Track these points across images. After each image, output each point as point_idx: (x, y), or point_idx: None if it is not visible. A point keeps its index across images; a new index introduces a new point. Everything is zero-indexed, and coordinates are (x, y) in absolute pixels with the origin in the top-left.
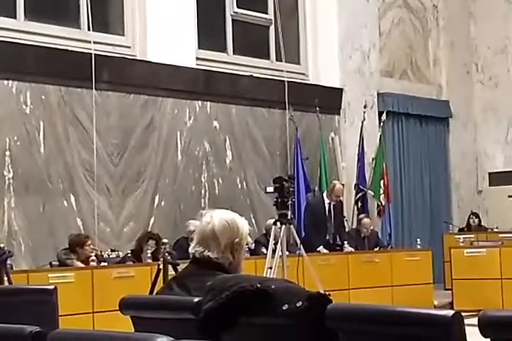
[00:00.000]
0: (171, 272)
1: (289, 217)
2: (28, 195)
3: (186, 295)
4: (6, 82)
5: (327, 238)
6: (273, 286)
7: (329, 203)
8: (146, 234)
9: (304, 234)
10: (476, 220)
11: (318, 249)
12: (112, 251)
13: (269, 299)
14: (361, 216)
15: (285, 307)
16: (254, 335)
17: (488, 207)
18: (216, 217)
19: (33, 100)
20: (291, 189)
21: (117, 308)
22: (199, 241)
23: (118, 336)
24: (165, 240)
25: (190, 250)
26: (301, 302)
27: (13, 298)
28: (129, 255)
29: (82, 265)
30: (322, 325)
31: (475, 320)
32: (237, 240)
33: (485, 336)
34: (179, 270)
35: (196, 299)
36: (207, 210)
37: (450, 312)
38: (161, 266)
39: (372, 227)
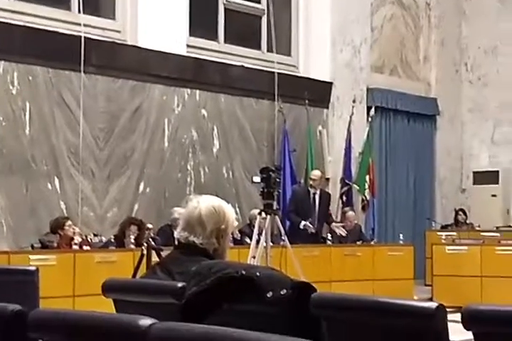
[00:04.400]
0: (155, 258)
1: (274, 208)
2: (11, 176)
3: (170, 279)
4: None
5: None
6: (258, 273)
7: (314, 193)
8: (128, 219)
9: (287, 221)
10: (464, 217)
11: (301, 225)
12: (94, 235)
13: (254, 286)
14: (346, 209)
15: (269, 294)
16: (238, 322)
17: (471, 206)
18: (203, 203)
19: (20, 81)
20: (277, 180)
21: (99, 292)
22: (184, 227)
23: (102, 316)
24: (149, 225)
25: (176, 235)
26: (285, 290)
27: None
28: (112, 240)
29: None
30: (306, 314)
31: (454, 316)
32: (223, 226)
33: (467, 329)
34: (163, 256)
35: (180, 284)
36: (194, 195)
37: (434, 305)
38: (145, 251)
39: (355, 221)
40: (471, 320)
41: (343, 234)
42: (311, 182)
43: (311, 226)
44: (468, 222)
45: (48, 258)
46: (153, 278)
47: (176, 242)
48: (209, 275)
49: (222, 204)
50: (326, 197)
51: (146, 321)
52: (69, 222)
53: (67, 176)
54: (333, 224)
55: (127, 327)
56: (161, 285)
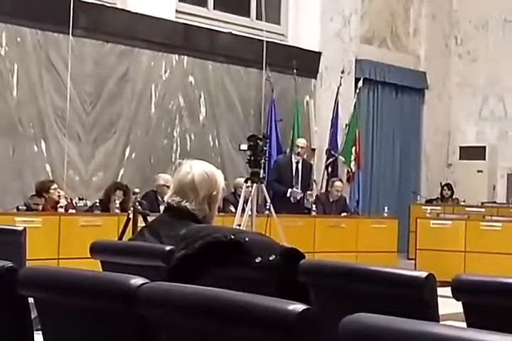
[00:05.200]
0: (141, 223)
1: (261, 176)
2: None
3: (158, 242)
4: None
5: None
6: (247, 238)
7: (297, 162)
8: (114, 184)
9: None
10: (449, 192)
11: (288, 192)
12: (79, 199)
13: (242, 251)
14: (334, 179)
15: (258, 259)
16: (225, 286)
17: (457, 181)
18: (196, 168)
19: (8, 41)
20: (264, 148)
21: (83, 256)
22: (176, 191)
23: (93, 275)
24: (136, 190)
25: (166, 199)
26: (274, 256)
27: None
28: (97, 204)
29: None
30: (294, 280)
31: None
32: (214, 193)
33: (457, 299)
34: (149, 220)
35: (168, 247)
36: (185, 160)
37: (424, 274)
38: (131, 216)
39: (342, 192)
40: (461, 289)
41: (310, 200)
42: (298, 150)
43: (298, 191)
44: (453, 197)
45: (33, 221)
46: (142, 240)
47: (166, 206)
48: (197, 239)
49: (214, 171)
50: (308, 167)
51: (136, 280)
52: (54, 186)
53: (53, 139)
54: (308, 192)
55: (119, 285)
56: (149, 248)
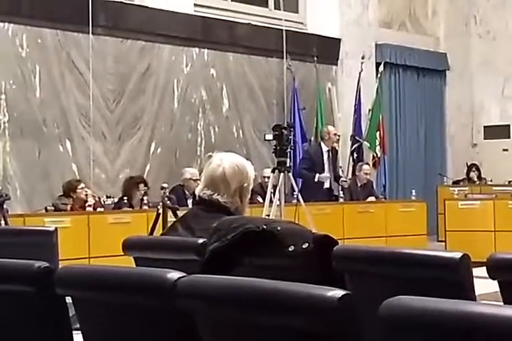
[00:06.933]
0: (171, 218)
1: (287, 165)
2: (23, 139)
3: (191, 236)
4: (2, 24)
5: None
6: (279, 228)
7: (328, 150)
8: (131, 179)
9: (299, 179)
10: (477, 172)
11: (316, 178)
12: (107, 197)
13: (275, 240)
14: (361, 163)
15: (291, 248)
16: (259, 276)
17: (482, 160)
18: (226, 161)
19: (29, 43)
20: (290, 137)
21: (113, 254)
22: (208, 184)
23: (129, 271)
24: (164, 185)
25: (197, 192)
26: (307, 244)
27: (14, 239)
28: (125, 201)
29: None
30: (328, 267)
31: None
32: (245, 184)
33: (493, 278)
34: (179, 215)
35: (201, 240)
36: (216, 153)
37: (458, 255)
38: (160, 211)
39: (369, 176)
40: (497, 268)
41: (346, 186)
42: (336, 138)
43: (327, 175)
44: (481, 177)
45: (62, 221)
46: (175, 234)
47: (198, 199)
48: (230, 230)
49: (244, 163)
50: (335, 154)
51: (174, 274)
52: (81, 185)
53: (78, 138)
54: (342, 179)
55: (156, 280)
56: (182, 242)
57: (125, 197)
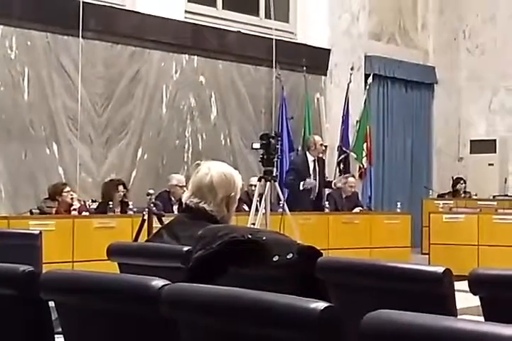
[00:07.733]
0: (156, 224)
1: (274, 174)
2: (9, 141)
3: (176, 243)
4: None
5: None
6: (264, 237)
7: (313, 160)
8: (110, 183)
9: (285, 190)
10: (464, 185)
11: (301, 185)
12: (92, 201)
13: (260, 250)
14: (347, 175)
15: (275, 258)
16: (244, 286)
17: (468, 174)
18: (214, 170)
19: (18, 45)
20: (277, 146)
21: (97, 258)
22: (195, 192)
23: (114, 277)
24: (150, 191)
25: (184, 200)
26: (291, 254)
27: None
28: (110, 206)
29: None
30: (312, 278)
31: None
32: (232, 194)
33: (475, 294)
34: (164, 221)
35: (186, 248)
36: (204, 161)
37: (441, 269)
38: (146, 217)
39: (355, 188)
40: (478, 284)
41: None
42: (322, 149)
43: (312, 181)
44: (467, 191)
45: (47, 224)
46: (160, 241)
47: (184, 206)
48: (215, 239)
49: (232, 172)
50: (322, 164)
51: (158, 282)
52: (67, 188)
53: (65, 142)
54: (334, 181)
55: (140, 288)
56: (167, 249)
57: (110, 202)
